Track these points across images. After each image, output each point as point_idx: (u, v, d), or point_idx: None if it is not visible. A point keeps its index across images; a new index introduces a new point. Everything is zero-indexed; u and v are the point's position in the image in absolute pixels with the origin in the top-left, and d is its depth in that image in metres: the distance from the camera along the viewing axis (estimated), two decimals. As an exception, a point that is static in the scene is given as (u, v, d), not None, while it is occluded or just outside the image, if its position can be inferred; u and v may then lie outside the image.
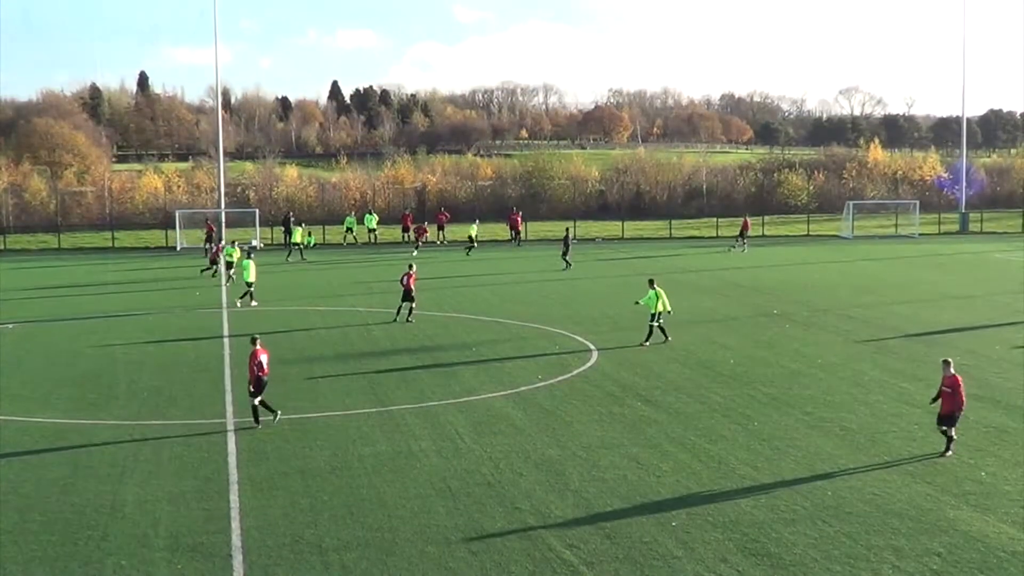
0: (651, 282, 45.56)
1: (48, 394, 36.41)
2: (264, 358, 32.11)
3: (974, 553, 21.86)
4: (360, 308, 56.11)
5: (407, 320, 50.98)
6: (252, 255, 59.42)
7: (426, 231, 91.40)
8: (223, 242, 78.61)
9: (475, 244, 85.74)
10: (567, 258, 73.31)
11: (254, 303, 56.42)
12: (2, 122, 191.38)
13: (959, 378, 28.61)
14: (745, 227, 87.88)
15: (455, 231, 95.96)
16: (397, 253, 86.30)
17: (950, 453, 28.47)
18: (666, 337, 44.82)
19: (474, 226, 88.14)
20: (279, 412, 32.48)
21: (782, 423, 32.21)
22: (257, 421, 32.03)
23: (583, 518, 24.06)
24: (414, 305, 51.68)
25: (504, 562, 21.63)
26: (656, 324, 44.69)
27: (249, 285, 56.49)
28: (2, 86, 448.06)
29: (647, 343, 44.35)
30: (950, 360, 29.29)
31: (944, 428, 28.75)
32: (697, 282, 64.93)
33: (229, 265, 65.94)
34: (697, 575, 20.94)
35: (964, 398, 28.74)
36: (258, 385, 31.96)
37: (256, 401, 32.00)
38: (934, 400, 29.40)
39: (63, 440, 30.88)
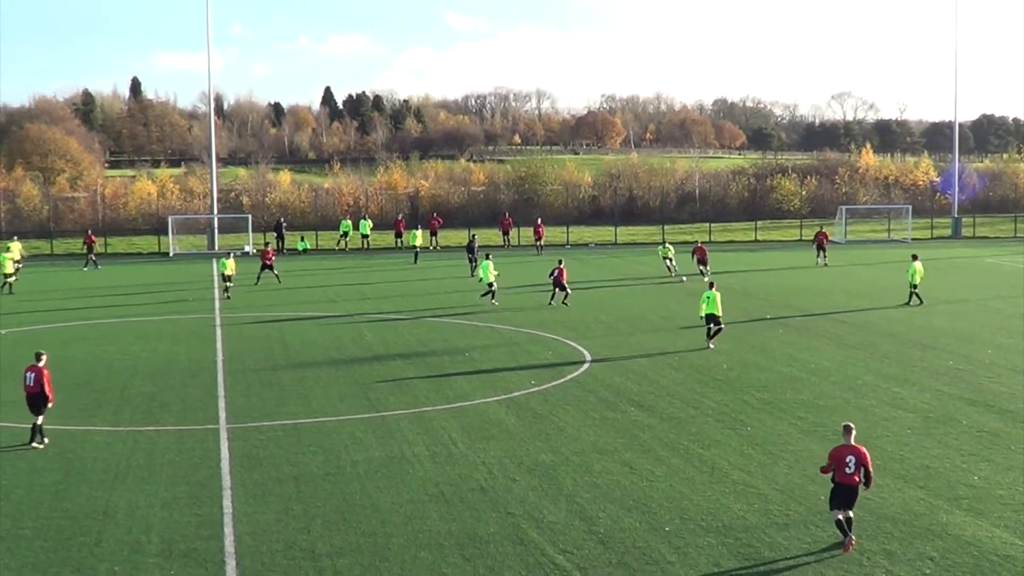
0: (711, 285, 46.69)
1: (40, 400, 36.34)
2: (29, 376, 30.90)
3: (967, 558, 21.86)
4: (354, 313, 56.11)
5: (563, 303, 57.10)
6: (490, 256, 60.40)
7: (542, 230, 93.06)
8: (234, 250, 78.31)
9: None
10: (473, 263, 72.64)
11: (495, 302, 57.69)
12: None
13: (864, 450, 22.57)
14: (824, 238, 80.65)
15: (447, 236, 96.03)
16: (390, 259, 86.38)
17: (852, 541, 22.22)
18: (709, 342, 45.32)
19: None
20: (35, 443, 30.68)
21: (775, 428, 32.21)
22: (31, 438, 30.85)
23: (576, 523, 24.02)
24: (569, 292, 57.53)
25: (497, 567, 21.61)
26: (719, 327, 45.17)
27: (490, 285, 57.82)
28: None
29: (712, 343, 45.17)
30: (851, 426, 23.00)
31: (839, 514, 22.38)
32: (689, 287, 64.86)
33: (226, 277, 63.49)
34: (690, 580, 20.95)
35: (872, 473, 22.72)
36: (28, 401, 30.91)
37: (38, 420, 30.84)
38: (831, 474, 22.70)
39: (55, 446, 30.78)
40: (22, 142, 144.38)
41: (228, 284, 63.57)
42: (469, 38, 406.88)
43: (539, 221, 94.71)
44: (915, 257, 58.10)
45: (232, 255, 67.13)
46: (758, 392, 36.89)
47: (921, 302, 56.49)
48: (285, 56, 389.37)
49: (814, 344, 46.02)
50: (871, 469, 22.52)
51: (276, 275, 68.32)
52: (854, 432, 22.72)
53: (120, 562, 22.08)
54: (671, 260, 71.69)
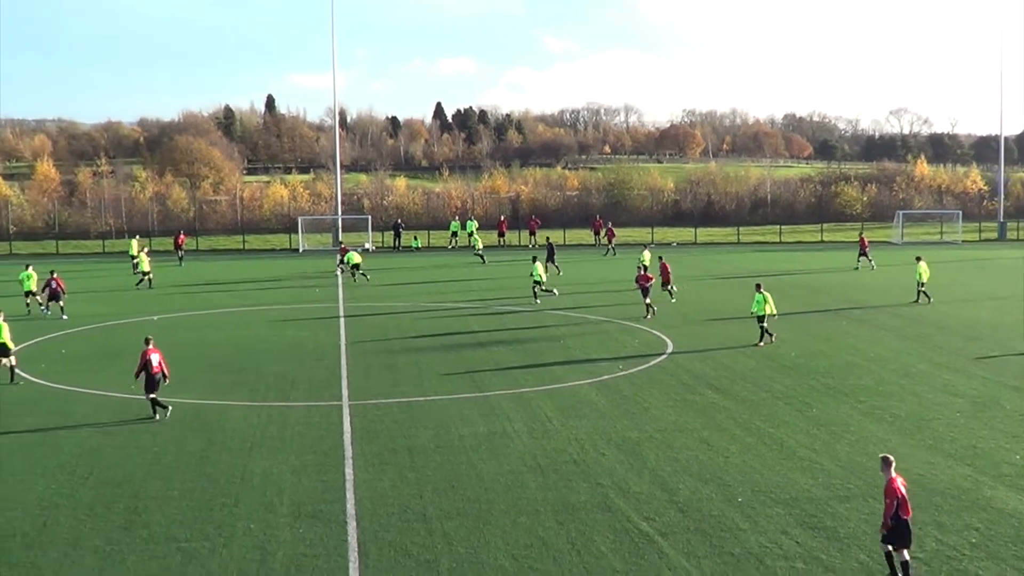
0: (758, 287, 44.83)
1: (186, 378, 36.66)
2: (154, 357, 31.16)
3: (1009, 528, 21.58)
4: (461, 304, 56.29)
5: (647, 314, 50.40)
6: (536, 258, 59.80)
7: (613, 234, 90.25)
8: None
9: None
10: (555, 263, 70.57)
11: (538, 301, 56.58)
12: (149, 139, 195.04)
13: (896, 483, 18.75)
14: (863, 245, 75.95)
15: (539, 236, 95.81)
16: (494, 256, 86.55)
17: None
18: (770, 337, 43.58)
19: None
20: (169, 408, 31.27)
21: (838, 410, 31.91)
22: (154, 412, 31.17)
23: (658, 494, 24.00)
24: (650, 298, 51.11)
25: (588, 531, 21.65)
26: (763, 326, 43.65)
27: (538, 283, 56.75)
28: (149, 107, 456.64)
29: (761, 343, 43.20)
30: (890, 458, 19.24)
31: (889, 547, 19.02)
32: (762, 283, 64.19)
33: (356, 267, 66.73)
34: (760, 546, 20.84)
35: (910, 509, 18.68)
36: (148, 383, 31.09)
37: (149, 397, 31.14)
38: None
39: (200, 418, 31.29)
40: (172, 152, 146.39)
41: (358, 272, 66.69)
42: (564, 59, 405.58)
43: (609, 224, 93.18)
44: (919, 259, 56.22)
45: (356, 250, 70.32)
46: (823, 378, 36.55)
47: (930, 300, 54.78)
48: (401, 76, 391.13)
49: (874, 335, 45.50)
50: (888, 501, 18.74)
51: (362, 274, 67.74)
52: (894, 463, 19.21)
53: (255, 520, 22.40)
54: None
